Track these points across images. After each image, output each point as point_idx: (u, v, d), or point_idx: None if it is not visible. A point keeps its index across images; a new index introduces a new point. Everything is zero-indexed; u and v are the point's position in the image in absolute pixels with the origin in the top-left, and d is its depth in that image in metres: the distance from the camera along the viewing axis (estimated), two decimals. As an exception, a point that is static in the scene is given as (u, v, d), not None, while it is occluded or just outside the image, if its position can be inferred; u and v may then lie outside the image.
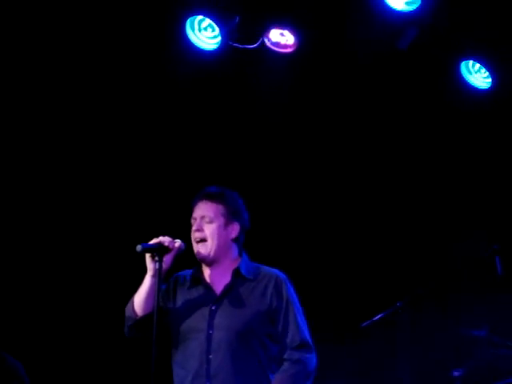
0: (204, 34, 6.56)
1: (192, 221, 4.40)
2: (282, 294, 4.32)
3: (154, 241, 4.16)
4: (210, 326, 4.20)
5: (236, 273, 4.32)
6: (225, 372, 4.11)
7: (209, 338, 4.17)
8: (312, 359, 4.27)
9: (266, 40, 6.64)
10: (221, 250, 4.31)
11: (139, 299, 4.25)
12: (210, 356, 4.14)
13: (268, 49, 6.67)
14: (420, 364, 6.52)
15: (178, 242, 4.22)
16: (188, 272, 4.43)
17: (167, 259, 4.19)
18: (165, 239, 4.17)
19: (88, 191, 6.81)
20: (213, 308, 4.25)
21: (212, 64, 6.64)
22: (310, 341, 4.31)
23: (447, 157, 7.35)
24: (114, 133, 6.80)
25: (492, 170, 7.31)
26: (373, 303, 6.25)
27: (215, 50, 6.60)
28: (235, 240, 4.42)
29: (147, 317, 4.19)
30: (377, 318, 5.86)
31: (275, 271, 4.41)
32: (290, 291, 4.36)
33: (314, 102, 7.08)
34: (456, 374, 5.46)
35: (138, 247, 4.06)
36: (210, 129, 6.95)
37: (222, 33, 6.53)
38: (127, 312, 4.31)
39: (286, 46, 6.69)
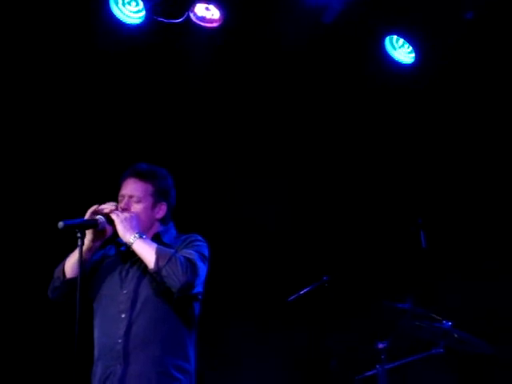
0: (128, 8, 6.46)
1: (120, 198, 4.39)
2: (185, 240, 4.36)
3: (88, 215, 4.19)
4: (123, 287, 4.24)
5: (155, 238, 4.32)
6: (136, 329, 4.11)
7: (121, 299, 4.20)
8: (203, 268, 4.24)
9: (191, 14, 6.60)
10: (144, 229, 4.29)
11: (71, 262, 4.26)
12: (122, 315, 4.15)
13: (193, 23, 6.62)
14: (345, 337, 6.59)
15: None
16: None
17: (109, 229, 4.22)
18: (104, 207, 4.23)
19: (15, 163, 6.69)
20: (126, 271, 4.29)
21: (136, 39, 6.54)
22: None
23: (371, 131, 7.41)
24: (38, 109, 6.68)
25: (415, 144, 7.41)
26: (299, 278, 6.29)
27: (139, 24, 6.52)
28: (161, 220, 4.43)
29: (75, 280, 4.16)
30: (303, 292, 5.90)
31: (191, 234, 4.44)
32: (194, 238, 4.38)
33: (240, 76, 7.05)
34: (381, 345, 5.53)
35: (60, 224, 4.01)
36: (134, 104, 6.87)
37: (147, 7, 6.47)
38: (56, 273, 4.32)
39: (211, 21, 6.66)
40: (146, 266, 4.17)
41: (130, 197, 4.35)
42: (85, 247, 4.14)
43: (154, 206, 4.38)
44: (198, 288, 4.21)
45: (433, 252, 6.19)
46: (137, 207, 4.33)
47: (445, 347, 5.50)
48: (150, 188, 4.38)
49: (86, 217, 4.19)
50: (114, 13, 6.42)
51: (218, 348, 6.89)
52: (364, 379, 5.74)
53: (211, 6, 6.62)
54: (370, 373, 5.67)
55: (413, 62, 7.11)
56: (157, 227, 4.41)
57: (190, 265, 4.10)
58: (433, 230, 6.06)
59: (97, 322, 4.30)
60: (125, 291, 4.22)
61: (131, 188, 4.37)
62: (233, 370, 7.03)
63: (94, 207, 4.23)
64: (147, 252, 4.12)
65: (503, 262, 6.98)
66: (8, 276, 6.43)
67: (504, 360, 6.44)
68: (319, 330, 6.50)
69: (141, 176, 4.39)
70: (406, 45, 7.09)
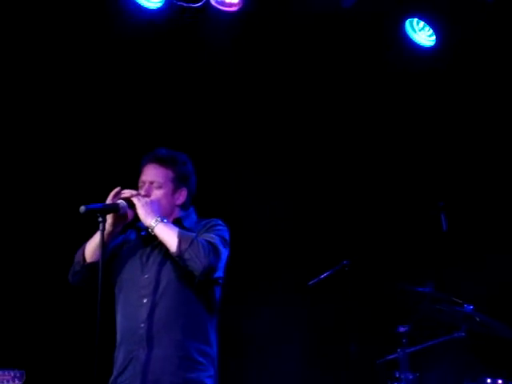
0: (147, -8, 6.48)
1: (140, 183, 4.40)
2: (206, 225, 4.37)
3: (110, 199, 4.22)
4: (144, 272, 4.26)
5: (175, 223, 4.32)
6: (158, 314, 4.14)
7: (142, 283, 4.22)
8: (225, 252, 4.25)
9: (210, -2, 6.59)
10: (165, 214, 4.29)
11: (91, 246, 4.29)
12: (144, 300, 4.18)
13: (213, 7, 6.60)
14: (367, 321, 6.59)
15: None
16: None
17: (130, 213, 4.24)
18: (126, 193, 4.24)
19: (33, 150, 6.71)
20: (147, 256, 4.31)
21: (155, 23, 6.55)
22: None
23: (391, 114, 7.39)
24: (59, 93, 6.69)
25: (436, 127, 7.38)
26: (320, 262, 6.28)
27: (159, 8, 6.52)
28: (181, 205, 4.44)
29: (95, 264, 4.20)
30: (323, 276, 5.89)
31: (211, 219, 4.44)
32: (215, 222, 4.39)
33: (259, 61, 7.03)
34: (402, 329, 5.52)
35: (82, 208, 4.02)
36: (152, 89, 6.87)
37: (166, -9, 6.47)
38: (77, 257, 4.35)
39: (231, 5, 6.64)
40: (166, 251, 4.18)
41: (151, 183, 4.37)
42: (105, 231, 4.13)
43: (174, 191, 4.40)
44: (219, 272, 4.22)
45: (453, 235, 6.16)
46: (157, 193, 4.34)
47: (467, 331, 5.49)
48: (170, 174, 4.40)
49: (108, 200, 4.22)
50: (134, -3, 6.44)
51: (238, 334, 6.90)
52: (385, 363, 5.73)
53: (230, -10, 6.61)
54: (391, 356, 5.66)
55: (433, 45, 7.08)
56: (177, 212, 4.42)
57: (211, 248, 4.11)
58: (454, 213, 6.02)
59: (119, 307, 4.33)
60: (146, 276, 4.24)
61: (152, 174, 4.39)
62: (252, 355, 7.05)
63: (116, 189, 4.25)
64: (169, 236, 4.13)
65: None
66: (30, 261, 6.47)
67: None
68: (340, 314, 6.50)
69: (161, 161, 4.40)
70: (427, 27, 7.06)
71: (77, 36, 6.52)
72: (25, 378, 4.68)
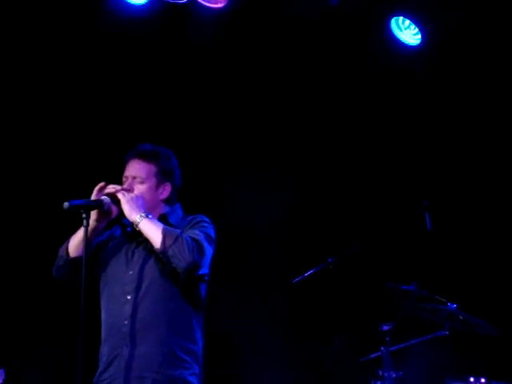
0: (133, -12, 6.47)
1: (123, 179, 4.39)
2: (191, 221, 4.35)
3: (95, 195, 4.20)
4: (129, 268, 4.25)
5: (161, 219, 4.31)
6: (142, 311, 4.13)
7: (126, 279, 4.21)
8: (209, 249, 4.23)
9: (196, -6, 6.58)
10: (149, 209, 4.26)
11: (74, 241, 4.27)
12: (128, 297, 4.16)
13: (198, 3, 6.59)
14: (351, 319, 6.60)
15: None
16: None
17: (115, 209, 4.22)
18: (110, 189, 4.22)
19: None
20: (132, 252, 4.30)
21: (141, 19, 6.54)
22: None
23: (376, 113, 7.40)
24: (45, 89, 6.67)
25: (420, 127, 7.39)
26: (304, 259, 6.28)
27: (145, 4, 6.52)
28: (166, 200, 4.42)
29: (78, 259, 4.18)
30: (308, 273, 5.89)
31: (197, 215, 4.43)
32: (200, 218, 4.37)
33: (245, 58, 7.02)
34: (386, 327, 5.53)
35: (65, 204, 4.00)
36: (138, 86, 6.86)
37: (152, -14, 6.46)
38: (60, 251, 4.33)
39: (217, 1, 6.63)
40: (152, 248, 4.16)
41: (134, 178, 4.35)
42: (89, 227, 4.13)
43: (157, 186, 4.38)
44: (204, 269, 4.20)
45: (438, 234, 6.18)
46: (140, 188, 4.32)
47: (450, 329, 5.51)
48: (153, 168, 4.37)
49: (94, 194, 4.20)
50: (119, -8, 6.43)
51: (221, 331, 6.89)
52: (369, 361, 5.74)
53: (217, -14, 6.60)
54: (374, 355, 5.67)
55: (419, 44, 7.10)
56: (162, 208, 4.40)
57: (196, 245, 4.09)
58: (438, 212, 6.04)
59: (103, 303, 4.31)
60: (130, 272, 4.23)
61: (134, 169, 4.37)
62: (236, 353, 7.05)
63: (101, 184, 4.23)
64: (153, 232, 4.11)
65: (508, 244, 7.01)
66: (14, 256, 6.44)
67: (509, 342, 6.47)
68: (324, 312, 6.51)
69: (144, 157, 4.38)
70: (412, 26, 7.08)
71: (61, 31, 6.49)
72: (4, 376, 4.65)
